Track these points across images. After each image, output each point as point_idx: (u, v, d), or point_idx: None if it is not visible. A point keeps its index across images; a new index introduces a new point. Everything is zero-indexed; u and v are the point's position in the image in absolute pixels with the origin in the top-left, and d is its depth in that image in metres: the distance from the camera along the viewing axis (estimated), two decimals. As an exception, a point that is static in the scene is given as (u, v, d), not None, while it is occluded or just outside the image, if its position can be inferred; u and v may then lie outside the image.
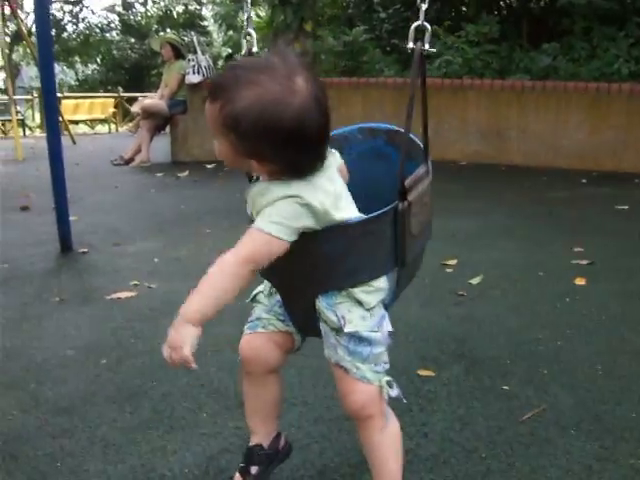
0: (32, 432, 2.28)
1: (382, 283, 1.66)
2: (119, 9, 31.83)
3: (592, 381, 2.62)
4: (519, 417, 2.34)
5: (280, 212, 1.48)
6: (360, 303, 1.62)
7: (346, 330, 1.61)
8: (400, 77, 9.03)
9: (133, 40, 29.03)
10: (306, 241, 1.52)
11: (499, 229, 5.16)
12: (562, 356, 2.85)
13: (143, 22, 31.32)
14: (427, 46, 1.62)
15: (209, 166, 8.44)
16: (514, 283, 3.81)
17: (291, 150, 1.46)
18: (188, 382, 2.62)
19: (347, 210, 1.59)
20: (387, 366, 1.70)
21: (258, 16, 14.44)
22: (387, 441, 1.75)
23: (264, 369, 1.83)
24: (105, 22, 31.86)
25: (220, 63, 20.77)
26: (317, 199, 1.50)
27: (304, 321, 1.74)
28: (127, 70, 28.87)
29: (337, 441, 2.20)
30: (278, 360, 1.83)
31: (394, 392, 1.70)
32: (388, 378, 1.70)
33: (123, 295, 3.67)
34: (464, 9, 11.73)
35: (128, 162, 9.15)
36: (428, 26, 1.64)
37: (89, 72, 31.65)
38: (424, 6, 1.66)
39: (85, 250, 4.64)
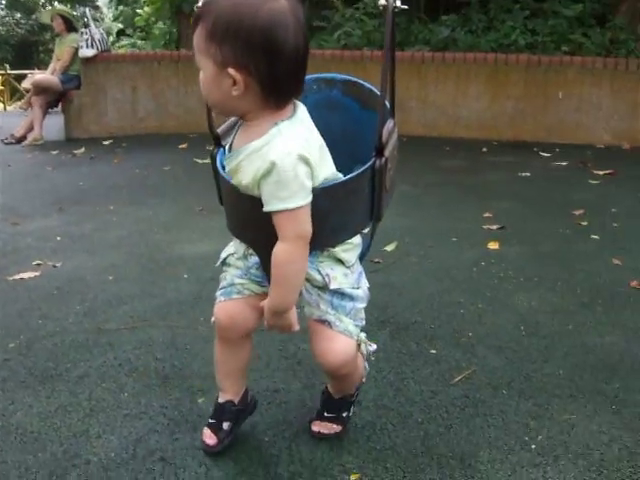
0: (-64, 423, 2.10)
1: (358, 239, 1.74)
2: (4, -18, 30.52)
3: (517, 341, 2.63)
4: (450, 380, 2.32)
5: (295, 178, 1.47)
6: (341, 261, 1.68)
7: (331, 287, 1.67)
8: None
9: (19, 15, 27.77)
10: None
11: (406, 198, 5.15)
12: (485, 318, 2.85)
13: (30, -4, 30.06)
14: (398, 2, 1.61)
15: (105, 142, 8.15)
16: (428, 249, 3.80)
17: (267, 57, 1.43)
18: (105, 362, 2.47)
19: (326, 166, 1.60)
20: (364, 322, 1.78)
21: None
22: (354, 381, 1.92)
23: (241, 334, 1.82)
24: (-11, -4, 30.51)
25: (112, 38, 20.06)
26: (312, 155, 1.50)
27: None
28: (13, 46, 27.65)
29: (268, 414, 2.11)
30: (255, 323, 1.81)
31: (373, 347, 1.84)
32: (364, 334, 1.80)
33: (26, 275, 3.46)
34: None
35: (20, 140, 8.71)
36: None
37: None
38: None
39: (-20, 230, 4.37)
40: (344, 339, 1.71)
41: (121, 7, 24.65)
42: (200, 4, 1.50)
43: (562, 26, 8.71)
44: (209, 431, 1.90)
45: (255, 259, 1.71)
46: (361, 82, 1.81)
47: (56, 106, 9.35)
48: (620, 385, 2.29)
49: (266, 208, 1.51)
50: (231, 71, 1.44)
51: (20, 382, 2.35)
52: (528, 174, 6.04)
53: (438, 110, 8.41)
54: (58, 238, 4.18)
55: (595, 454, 1.91)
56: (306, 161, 1.48)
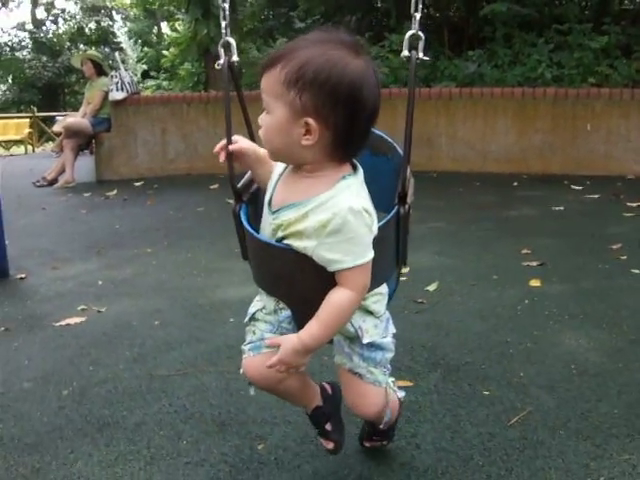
0: (2, 474, 2.12)
1: (385, 288, 1.73)
2: (30, 27, 31.10)
3: (569, 380, 2.62)
4: (506, 421, 2.31)
5: (368, 233, 1.51)
6: (371, 313, 1.68)
7: (365, 341, 1.68)
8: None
9: (45, 58, 28.24)
10: None
11: (443, 235, 5.18)
12: (534, 358, 2.84)
13: (55, 40, 30.61)
14: (421, 54, 1.63)
15: (137, 184, 8.26)
16: (471, 288, 3.81)
17: (348, 111, 1.46)
18: (160, 409, 2.50)
19: None
20: (390, 368, 1.81)
21: (176, 30, 14.25)
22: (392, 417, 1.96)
23: (276, 385, 1.79)
24: (15, 40, 31.11)
25: (136, 79, 20.41)
26: (372, 208, 1.54)
27: None
28: (40, 89, 28.08)
29: (328, 459, 2.12)
30: (290, 375, 1.75)
31: (401, 393, 1.95)
32: (392, 379, 1.88)
33: (72, 321, 3.50)
34: (385, 20, 11.82)
35: (52, 183, 8.85)
36: (422, 35, 1.65)
37: (0, 92, 30.77)
38: (418, 15, 1.68)
39: (23, 276, 4.43)
40: (375, 390, 1.76)
41: (146, 49, 25.12)
42: (272, 53, 1.51)
43: (588, 58, 8.76)
44: (322, 439, 1.98)
45: (287, 313, 1.70)
46: (384, 137, 1.82)
47: (87, 149, 9.51)
48: (677, 424, 2.28)
49: (339, 266, 1.51)
50: (310, 121, 1.45)
51: (77, 430, 2.38)
52: (561, 208, 6.04)
53: (467, 145, 8.45)
54: (100, 282, 4.23)
55: (660, 496, 1.90)
56: (371, 215, 1.52)
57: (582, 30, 9.02)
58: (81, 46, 28.00)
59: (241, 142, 1.68)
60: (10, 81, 30.09)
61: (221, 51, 1.76)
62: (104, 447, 2.26)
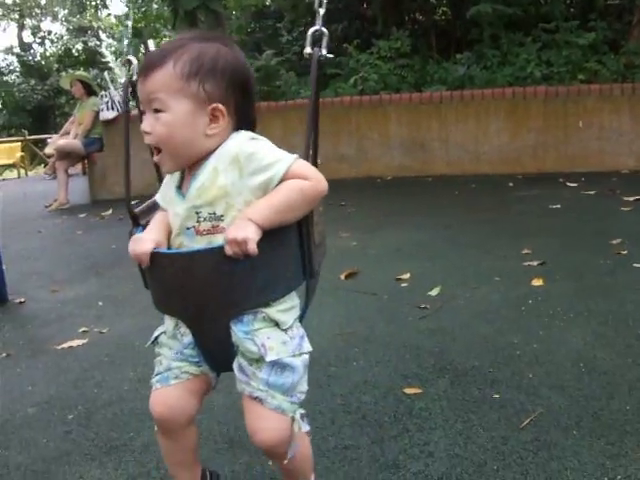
0: (10, 503, 2.10)
1: (295, 300, 1.63)
2: (17, 50, 31.11)
3: (578, 379, 2.60)
4: (518, 424, 2.29)
5: (272, 147, 1.54)
6: (277, 324, 1.57)
7: (268, 359, 1.54)
8: (318, 98, 9.02)
9: (34, 81, 28.21)
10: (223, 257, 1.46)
11: (441, 238, 5.16)
12: (542, 358, 2.82)
13: (43, 62, 30.59)
14: (324, 51, 1.60)
15: (132, 202, 8.19)
16: (474, 291, 3.78)
17: (245, 92, 1.57)
18: (168, 428, 2.47)
19: None
20: (302, 397, 1.64)
21: (163, 48, 14.19)
22: (300, 463, 1.73)
23: (182, 424, 1.69)
24: (4, 65, 31.12)
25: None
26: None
27: (220, 356, 1.63)
28: (30, 112, 28.00)
29: (342, 472, 2.09)
30: (196, 408, 1.70)
31: (306, 427, 1.68)
32: (302, 411, 1.67)
33: (74, 343, 3.47)
34: (372, 27, 11.84)
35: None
36: (325, 31, 1.61)
37: (-11, 117, 30.74)
38: (322, 11, 1.64)
39: (22, 300, 4.40)
40: (276, 417, 1.58)
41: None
42: (148, 56, 1.56)
43: (576, 55, 8.78)
44: None
45: (188, 338, 1.63)
46: None
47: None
48: (691, 418, 2.26)
49: (278, 173, 1.48)
50: (220, 106, 1.51)
51: (85, 454, 2.35)
52: (558, 206, 6.03)
53: (460, 148, 8.45)
54: (100, 303, 4.20)
55: (679, 492, 1.87)
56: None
57: (569, 27, 9.04)
58: (69, 68, 27.89)
59: (146, 243, 1.60)
60: (0, 106, 30.06)
61: (124, 70, 1.80)
62: (113, 470, 2.23)
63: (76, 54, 31.03)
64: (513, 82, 8.66)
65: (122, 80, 1.95)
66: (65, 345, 3.47)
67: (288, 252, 1.56)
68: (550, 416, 2.33)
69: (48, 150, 9.88)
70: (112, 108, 8.89)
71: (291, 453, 1.64)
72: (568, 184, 7.16)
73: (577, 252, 4.46)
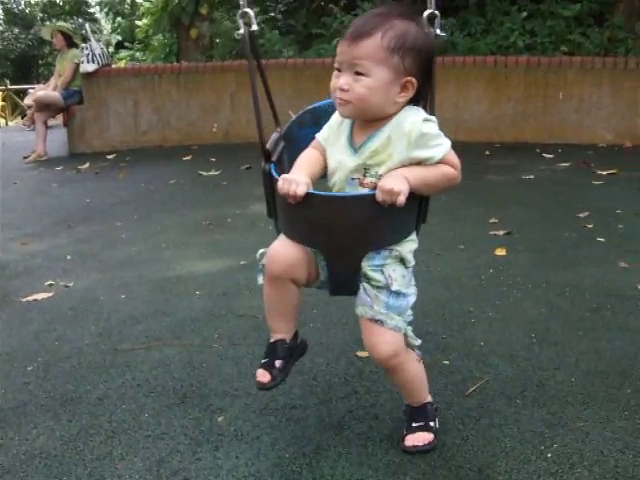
0: (-39, 449, 2.13)
1: (417, 243, 1.94)
2: (1, -2, 30.61)
3: (529, 349, 2.66)
4: (464, 391, 2.35)
5: (438, 133, 1.78)
6: (403, 261, 1.87)
7: (393, 289, 1.84)
8: (299, 58, 8.97)
9: (18, 30, 27.79)
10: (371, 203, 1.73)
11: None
12: (495, 327, 2.88)
13: (27, 11, 30.08)
14: (438, 31, 1.85)
15: (109, 157, 8.21)
16: (436, 257, 3.83)
17: (430, 71, 1.80)
18: (123, 383, 2.51)
19: None
20: (411, 317, 1.93)
21: (149, 0, 13.97)
22: (414, 377, 2.01)
23: (289, 275, 1.86)
24: (-13, 12, 30.58)
25: (111, 50, 20.10)
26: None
27: (344, 281, 1.90)
28: (13, 61, 27.65)
29: (287, 430, 2.15)
30: (302, 277, 1.88)
31: (418, 341, 1.98)
32: (411, 328, 1.95)
33: (39, 296, 3.49)
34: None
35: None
36: (438, 14, 1.85)
37: (-30, 66, 30.30)
38: None
39: (-9, 251, 4.41)
40: (392, 334, 1.85)
41: (118, 19, 24.72)
42: (359, 24, 1.75)
43: (560, 26, 8.77)
44: (262, 370, 1.93)
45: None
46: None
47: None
48: (631, 391, 2.32)
49: (437, 156, 1.75)
50: (413, 80, 1.75)
51: (41, 406, 2.39)
52: (532, 177, 6.08)
53: (440, 114, 8.40)
54: (68, 257, 4.22)
55: (610, 461, 1.94)
56: (436, 121, 1.80)
57: (555, -2, 9.00)
58: (53, 18, 27.45)
59: (301, 186, 1.75)
60: (-18, 54, 29.65)
61: (240, 22, 1.86)
62: (66, 422, 2.27)
63: (61, 3, 30.53)
64: (495, 50, 8.64)
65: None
66: (30, 298, 3.49)
67: (413, 207, 1.85)
68: (496, 384, 2.39)
69: (27, 101, 9.77)
70: (92, 61, 8.80)
71: (419, 381, 2.02)
72: (544, 155, 7.21)
73: (544, 224, 4.51)
